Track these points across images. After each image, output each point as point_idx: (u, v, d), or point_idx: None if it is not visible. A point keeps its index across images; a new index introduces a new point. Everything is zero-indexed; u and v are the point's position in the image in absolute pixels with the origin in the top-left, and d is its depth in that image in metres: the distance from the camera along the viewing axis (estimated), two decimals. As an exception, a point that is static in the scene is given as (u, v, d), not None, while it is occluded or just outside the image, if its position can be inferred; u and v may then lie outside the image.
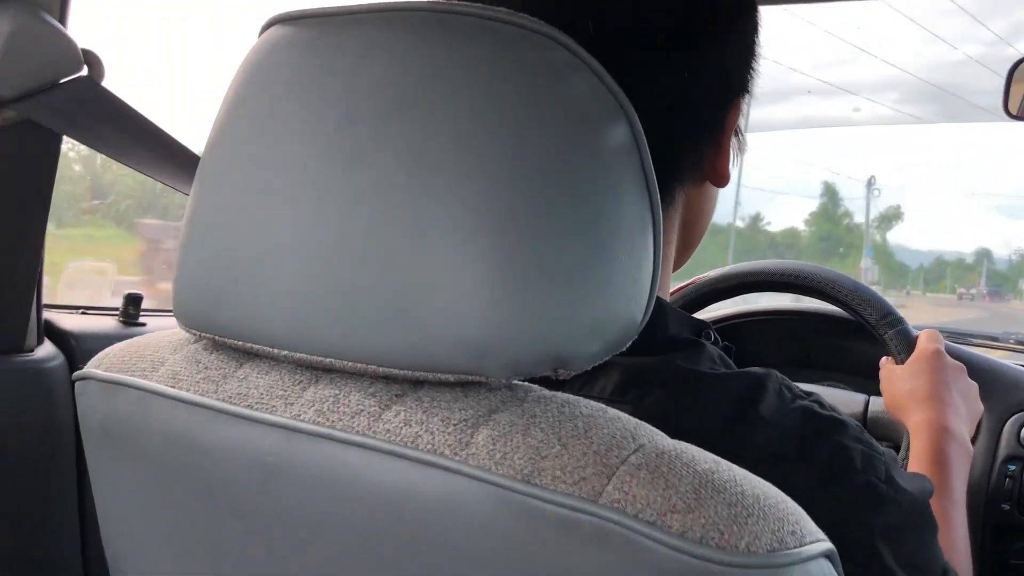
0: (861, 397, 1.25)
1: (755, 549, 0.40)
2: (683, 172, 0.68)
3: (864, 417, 1.22)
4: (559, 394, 0.50)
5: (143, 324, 1.34)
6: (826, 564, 0.44)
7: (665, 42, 0.63)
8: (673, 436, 0.48)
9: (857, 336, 1.22)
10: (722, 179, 0.71)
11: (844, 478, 0.58)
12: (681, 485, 0.42)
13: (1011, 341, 1.89)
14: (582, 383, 0.61)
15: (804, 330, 1.55)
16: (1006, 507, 1.27)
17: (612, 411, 0.48)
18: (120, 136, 1.07)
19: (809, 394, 0.63)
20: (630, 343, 0.52)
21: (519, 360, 0.47)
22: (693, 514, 0.41)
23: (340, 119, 0.50)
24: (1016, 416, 1.31)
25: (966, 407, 1.04)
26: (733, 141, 0.73)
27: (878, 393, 1.18)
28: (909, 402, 1.04)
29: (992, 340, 1.90)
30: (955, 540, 0.87)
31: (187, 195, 0.60)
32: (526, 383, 0.51)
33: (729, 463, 0.46)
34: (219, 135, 0.57)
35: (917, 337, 1.13)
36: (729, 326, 1.56)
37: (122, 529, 0.66)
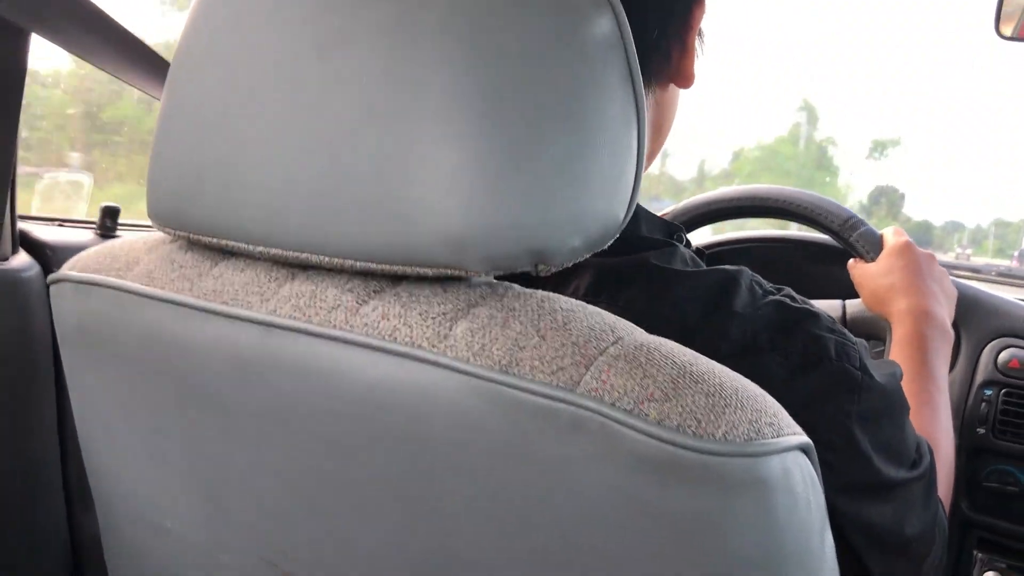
0: (837, 302, 1.26)
1: (732, 438, 0.40)
2: (652, 71, 0.67)
3: (844, 319, 1.23)
4: (539, 291, 0.49)
5: (120, 237, 1.32)
6: (802, 456, 0.44)
7: None
8: (648, 332, 0.48)
9: (838, 264, 1.23)
10: (688, 79, 0.70)
11: (819, 366, 0.59)
12: (659, 375, 0.42)
13: (992, 273, 1.91)
14: (555, 284, 0.61)
15: (791, 257, 1.56)
16: (981, 431, 1.30)
17: (592, 308, 0.48)
18: (90, 37, 1.04)
19: (780, 288, 0.64)
20: (612, 240, 0.51)
21: (499, 254, 0.46)
22: (670, 402, 0.41)
23: (312, 7, 0.48)
24: (994, 342, 1.33)
25: (943, 292, 1.07)
26: (699, 40, 0.72)
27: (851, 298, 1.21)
28: (888, 294, 1.06)
29: (974, 272, 1.92)
30: (938, 417, 0.89)
31: (158, 99, 0.59)
32: (506, 281, 0.50)
33: (709, 358, 0.45)
34: (190, 32, 0.56)
35: (882, 235, 1.15)
36: (714, 253, 1.57)
37: (99, 429, 0.65)
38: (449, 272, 0.47)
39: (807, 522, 0.44)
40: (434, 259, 0.47)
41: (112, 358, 0.60)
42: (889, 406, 0.64)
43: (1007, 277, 1.91)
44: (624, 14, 0.49)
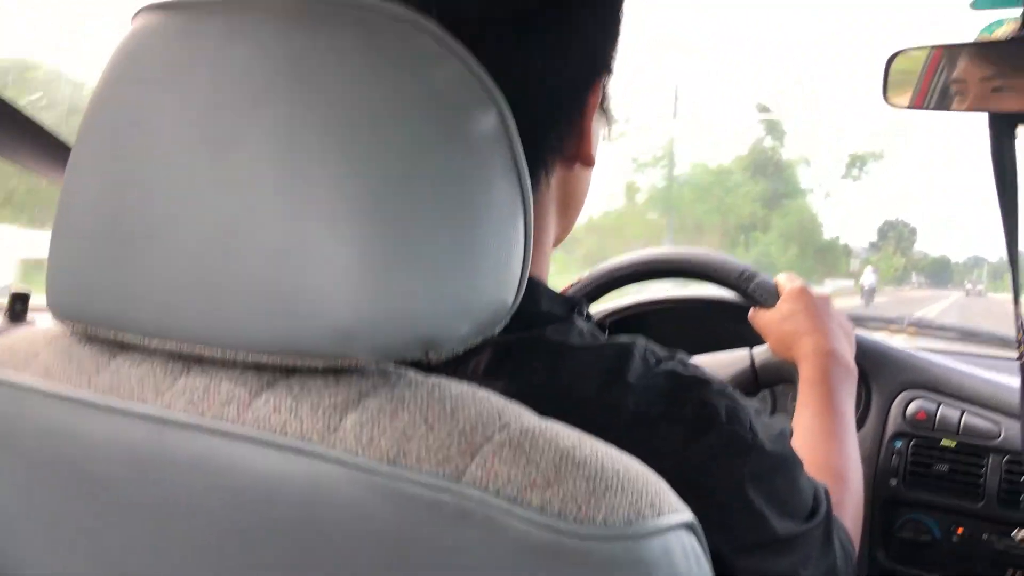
0: (745, 352, 1.30)
1: (612, 521, 0.42)
2: (550, 155, 0.69)
3: (753, 368, 1.27)
4: (432, 377, 0.50)
5: (31, 323, 1.30)
6: (686, 535, 0.45)
7: (521, 24, 0.63)
8: (548, 408, 0.49)
9: (742, 315, 1.27)
10: (588, 160, 0.72)
11: (711, 430, 0.61)
12: (542, 461, 0.43)
13: (905, 324, 1.98)
14: (455, 364, 0.61)
15: (703, 316, 1.60)
16: (893, 482, 1.34)
17: (482, 392, 0.49)
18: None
19: (673, 355, 0.66)
20: (503, 324, 0.53)
21: (388, 344, 0.48)
22: (552, 489, 0.42)
23: (207, 106, 0.50)
24: (903, 394, 1.38)
25: (841, 330, 1.12)
26: (601, 121, 0.74)
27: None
28: (793, 337, 1.11)
29: (888, 323, 1.99)
30: (846, 454, 0.93)
31: (59, 185, 0.59)
32: (400, 368, 0.52)
33: (593, 439, 0.47)
34: (91, 123, 0.56)
35: (777, 282, 1.20)
36: (629, 316, 1.60)
37: (1, 528, 0.64)
38: (340, 363, 0.48)
39: None
40: (324, 350, 0.48)
41: (13, 456, 0.59)
42: (781, 463, 0.66)
43: (919, 327, 1.98)
44: (508, 108, 0.51)
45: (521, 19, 0.63)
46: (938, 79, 1.08)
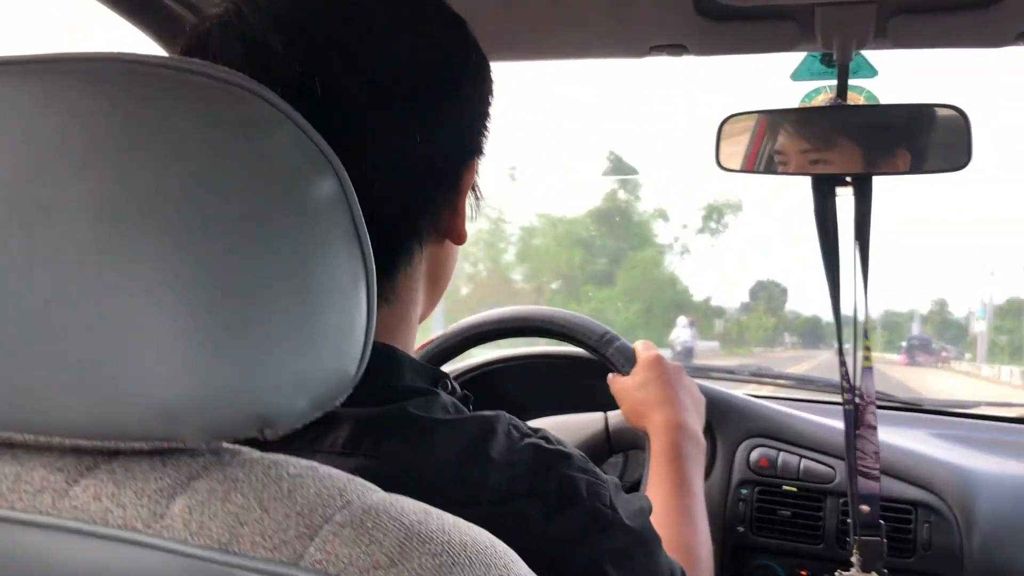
0: (599, 415, 1.31)
1: None
2: (422, 231, 0.69)
3: (607, 432, 1.28)
4: (269, 455, 0.48)
5: None
6: None
7: (398, 105, 0.63)
8: (409, 486, 0.47)
9: (603, 377, 1.29)
10: (459, 237, 0.72)
11: (571, 507, 0.60)
12: (386, 540, 0.42)
13: (746, 374, 2.06)
14: (312, 438, 0.60)
15: (561, 372, 1.62)
16: (741, 529, 1.37)
17: (324, 469, 0.47)
18: None
19: (536, 430, 0.66)
20: (345, 397, 0.51)
21: (219, 422, 0.45)
22: (397, 568, 0.41)
23: (19, 174, 0.46)
24: (746, 442, 1.43)
25: (692, 402, 1.14)
26: (470, 199, 0.74)
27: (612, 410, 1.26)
28: (645, 408, 1.12)
29: (729, 373, 2.06)
30: (696, 527, 0.94)
31: None
32: (235, 446, 0.49)
33: (441, 512, 0.46)
34: None
35: (635, 348, 1.22)
36: (485, 372, 1.60)
37: None
38: (167, 444, 0.45)
39: None
40: (148, 431, 0.44)
41: None
42: (641, 541, 0.66)
43: (758, 376, 2.07)
44: (347, 176, 0.50)
45: (402, 100, 0.64)
46: (766, 144, 1.15)
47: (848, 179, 1.12)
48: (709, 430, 1.45)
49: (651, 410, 1.11)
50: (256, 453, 0.48)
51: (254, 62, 0.59)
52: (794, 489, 1.36)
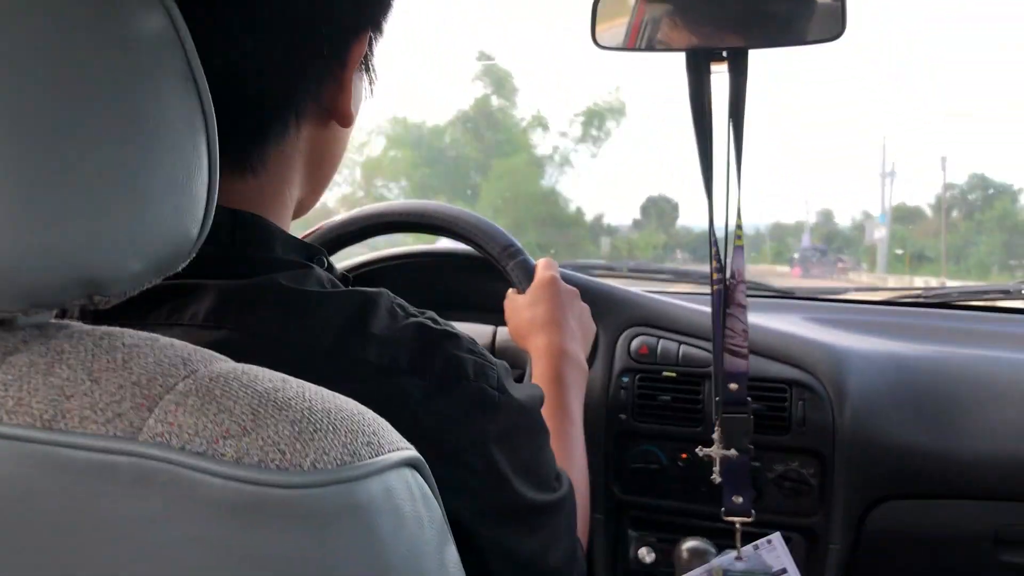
0: (489, 328, 1.28)
1: (322, 465, 0.37)
2: (301, 106, 0.63)
3: (492, 346, 1.25)
4: (101, 327, 0.42)
5: None
6: (409, 472, 0.41)
7: None
8: (279, 361, 0.43)
9: (487, 274, 1.25)
10: (345, 119, 0.66)
11: (457, 386, 0.58)
12: (236, 408, 0.37)
13: (624, 270, 2.07)
14: (170, 311, 0.55)
15: (437, 271, 1.57)
16: (623, 416, 1.38)
17: (166, 340, 0.42)
18: None
19: (423, 312, 0.62)
20: (187, 261, 0.45)
21: (38, 288, 0.39)
22: (250, 437, 0.36)
23: None
24: (627, 331, 1.43)
25: (580, 329, 1.12)
26: (363, 80, 0.69)
27: (505, 324, 1.22)
28: (529, 329, 1.09)
29: (609, 269, 2.07)
30: (572, 454, 0.92)
31: None
32: (64, 320, 0.43)
33: (302, 381, 0.41)
34: None
35: (536, 266, 1.18)
36: (362, 273, 1.55)
37: None
38: None
39: (419, 540, 0.41)
40: None
41: None
42: (527, 426, 0.64)
43: (636, 271, 2.08)
44: (176, 8, 0.44)
45: None
46: (632, 20, 1.10)
47: (724, 54, 1.09)
48: (593, 318, 1.44)
49: (536, 332, 1.08)
50: (85, 326, 0.42)
51: None
52: (674, 375, 1.37)
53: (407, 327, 0.59)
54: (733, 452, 1.19)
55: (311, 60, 0.62)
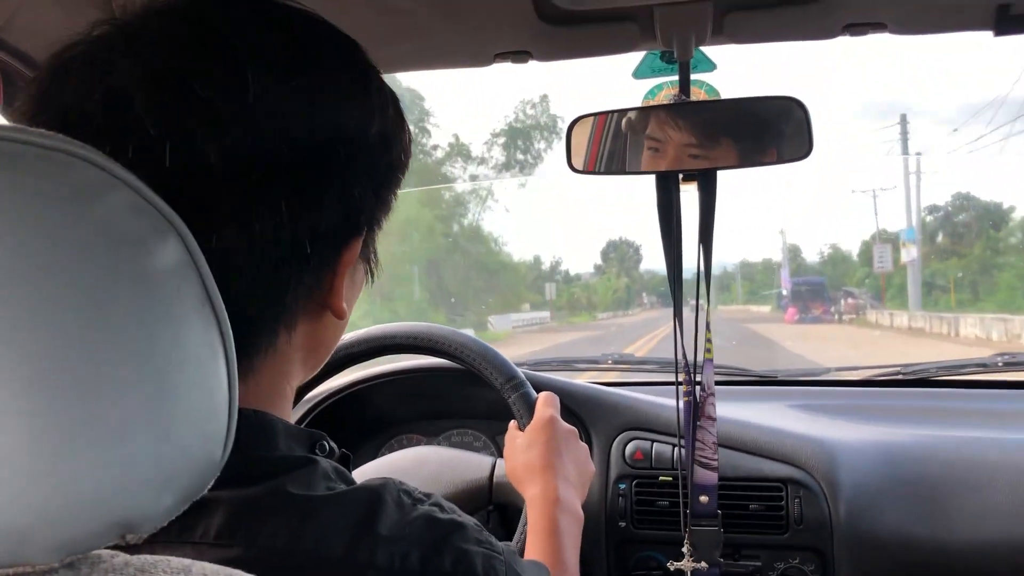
0: (488, 461, 1.28)
1: None
2: (289, 312, 0.62)
3: (491, 481, 1.25)
4: (134, 560, 0.43)
5: None
6: None
7: (264, 181, 0.56)
8: (293, 571, 0.44)
9: (477, 383, 1.27)
10: (338, 315, 0.66)
11: None
12: None
13: (609, 361, 2.09)
14: (181, 528, 0.54)
15: (430, 384, 1.59)
16: (622, 524, 1.39)
17: (197, 567, 0.43)
18: None
19: (428, 496, 0.63)
20: (212, 483, 0.46)
21: (73, 536, 0.40)
22: None
23: None
24: (620, 437, 1.44)
25: (576, 472, 1.10)
26: (359, 272, 0.69)
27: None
28: (525, 474, 1.09)
29: (593, 363, 2.09)
30: None
31: None
32: (94, 552, 0.44)
33: None
34: None
35: (536, 400, 1.18)
36: (359, 390, 1.56)
37: None
38: (14, 571, 0.40)
39: None
40: None
41: None
42: None
43: (620, 364, 2.10)
44: (191, 236, 0.45)
45: (275, 173, 0.56)
46: (605, 144, 1.15)
47: (693, 175, 1.13)
48: (583, 427, 1.46)
49: (531, 478, 1.07)
50: (119, 558, 0.43)
51: (110, 113, 0.53)
52: (670, 479, 1.38)
53: (415, 521, 0.59)
54: (703, 564, 1.21)
55: (298, 275, 0.61)
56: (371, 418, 1.66)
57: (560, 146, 1.15)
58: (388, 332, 1.32)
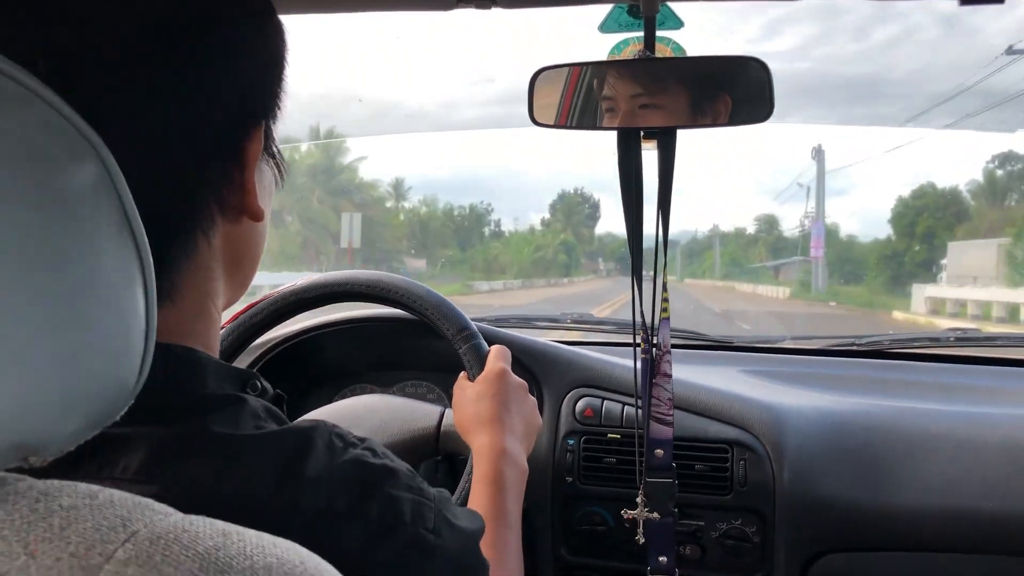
0: (436, 410, 1.28)
1: None
2: (202, 214, 0.61)
3: (438, 431, 1.25)
4: (40, 484, 0.42)
5: None
6: None
7: (140, 62, 0.54)
8: (217, 512, 0.43)
9: (433, 335, 1.26)
10: (256, 215, 0.64)
11: (394, 532, 0.58)
12: (178, 573, 0.37)
13: (568, 321, 2.09)
14: (100, 463, 0.52)
15: (384, 334, 1.58)
16: (569, 479, 1.40)
17: (105, 494, 0.42)
18: None
19: (362, 440, 0.62)
20: (123, 411, 0.45)
21: None
22: None
23: None
24: (571, 393, 1.45)
25: (524, 425, 1.11)
26: (266, 174, 0.67)
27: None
28: (472, 425, 1.09)
29: (553, 321, 2.09)
30: (507, 561, 0.92)
31: None
32: (1, 473, 0.43)
33: (244, 531, 0.42)
34: None
35: (488, 353, 1.18)
36: (310, 338, 1.55)
37: None
38: None
39: None
40: None
41: None
42: (464, 565, 0.65)
43: (582, 323, 2.11)
44: (111, 156, 0.44)
45: (149, 53, 0.54)
46: (578, 97, 1.13)
47: (653, 133, 1.12)
48: (535, 382, 1.46)
49: (479, 429, 1.08)
50: (25, 482, 0.42)
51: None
52: (618, 436, 1.39)
53: (345, 464, 0.58)
54: (656, 515, 1.23)
55: (203, 170, 0.59)
56: (324, 367, 1.65)
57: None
58: (342, 279, 1.31)
